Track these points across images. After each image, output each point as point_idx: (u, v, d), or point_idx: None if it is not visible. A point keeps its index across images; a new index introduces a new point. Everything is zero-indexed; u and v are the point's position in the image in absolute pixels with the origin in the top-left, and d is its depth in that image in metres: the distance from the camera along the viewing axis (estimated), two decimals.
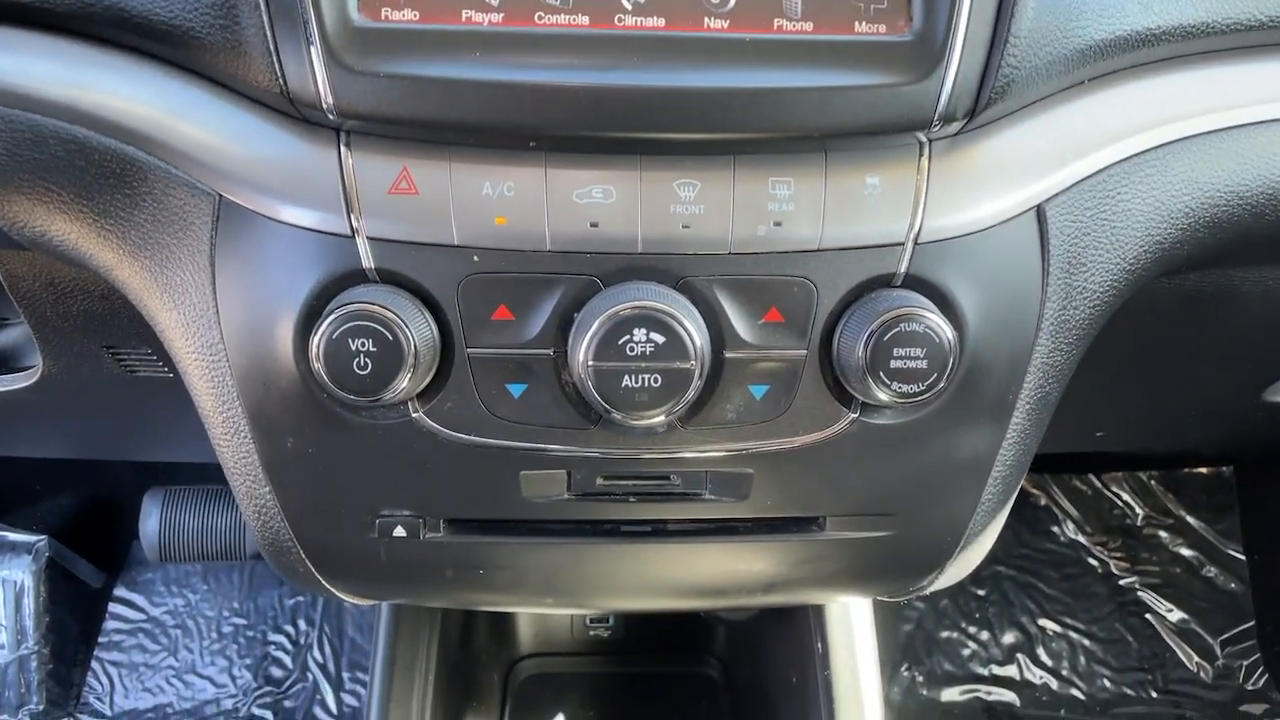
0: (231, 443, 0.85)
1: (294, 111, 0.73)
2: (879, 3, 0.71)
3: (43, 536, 2.16)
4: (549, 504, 0.87)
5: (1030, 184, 0.79)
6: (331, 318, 0.72)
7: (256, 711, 2.18)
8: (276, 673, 2.24)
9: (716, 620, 1.92)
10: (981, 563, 1.03)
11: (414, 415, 0.80)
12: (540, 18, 0.70)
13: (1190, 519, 2.44)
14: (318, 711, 2.19)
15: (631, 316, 0.73)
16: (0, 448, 1.64)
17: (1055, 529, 2.46)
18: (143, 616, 2.31)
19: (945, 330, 0.75)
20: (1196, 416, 1.63)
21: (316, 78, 0.69)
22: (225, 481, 0.92)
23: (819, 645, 1.38)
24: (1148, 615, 2.35)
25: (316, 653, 2.26)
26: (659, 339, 0.74)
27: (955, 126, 0.75)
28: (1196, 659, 2.29)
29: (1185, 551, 2.42)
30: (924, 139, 0.76)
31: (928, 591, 1.03)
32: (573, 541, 0.92)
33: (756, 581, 0.98)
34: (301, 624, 2.29)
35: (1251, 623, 2.33)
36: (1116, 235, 0.82)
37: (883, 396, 0.77)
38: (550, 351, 0.78)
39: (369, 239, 0.75)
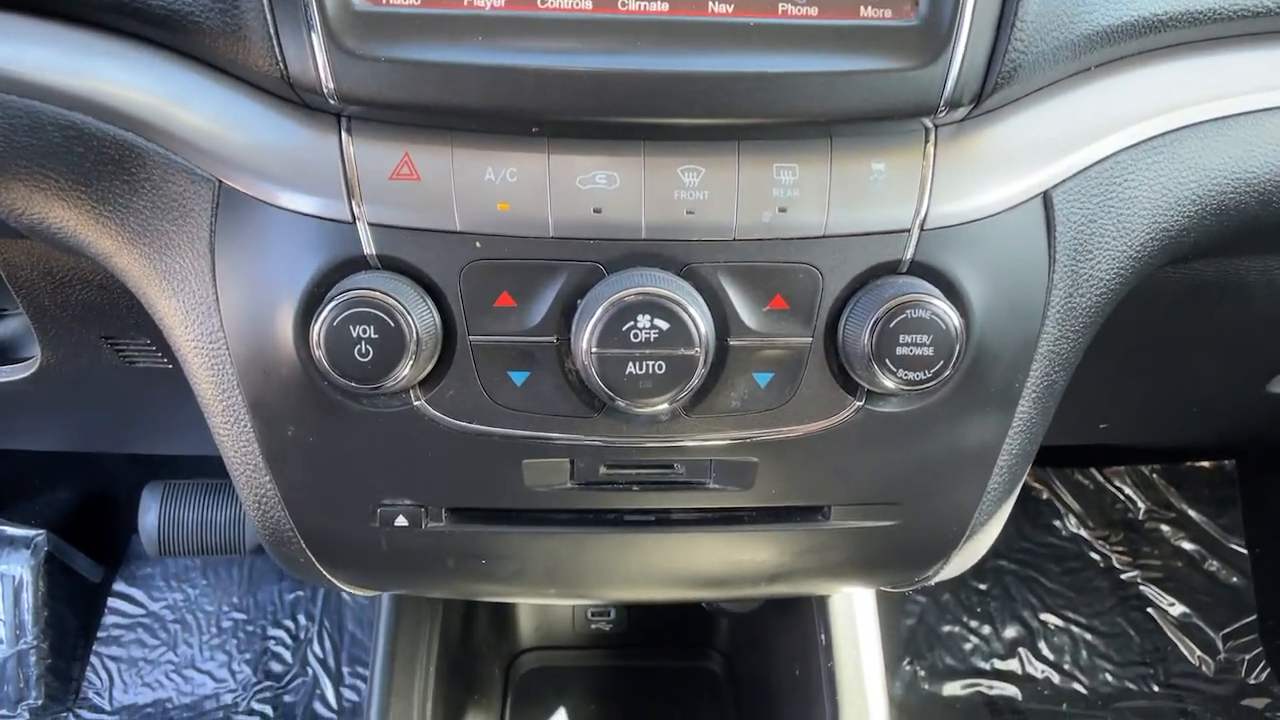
0: (231, 432, 0.85)
1: (294, 97, 0.73)
2: None
3: (41, 531, 2.16)
4: (552, 493, 0.87)
5: (1037, 170, 0.79)
6: (332, 304, 0.72)
7: (256, 706, 2.18)
8: (276, 668, 2.24)
9: (719, 613, 1.92)
10: (983, 557, 1.02)
11: (416, 403, 0.80)
12: (543, 1, 0.69)
13: (1192, 513, 2.44)
14: (317, 706, 2.18)
15: (635, 303, 0.73)
16: None
17: (1057, 523, 2.45)
18: (142, 611, 2.31)
19: (951, 317, 0.75)
20: (1200, 408, 1.63)
21: (317, 62, 0.68)
22: (225, 475, 0.91)
23: (822, 637, 1.37)
24: (1149, 609, 2.35)
25: (316, 647, 2.25)
26: (663, 325, 0.73)
27: (961, 112, 0.74)
28: (1198, 653, 2.29)
29: (1187, 545, 2.42)
30: (930, 125, 0.75)
31: (933, 582, 1.03)
32: (575, 531, 0.91)
33: (761, 572, 0.97)
34: (301, 619, 2.29)
35: (1253, 617, 2.32)
36: (1123, 222, 0.82)
37: (888, 384, 0.76)
38: (553, 339, 0.77)
39: (370, 225, 0.74)
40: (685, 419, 0.81)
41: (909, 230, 0.76)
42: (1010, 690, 2.24)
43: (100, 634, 2.27)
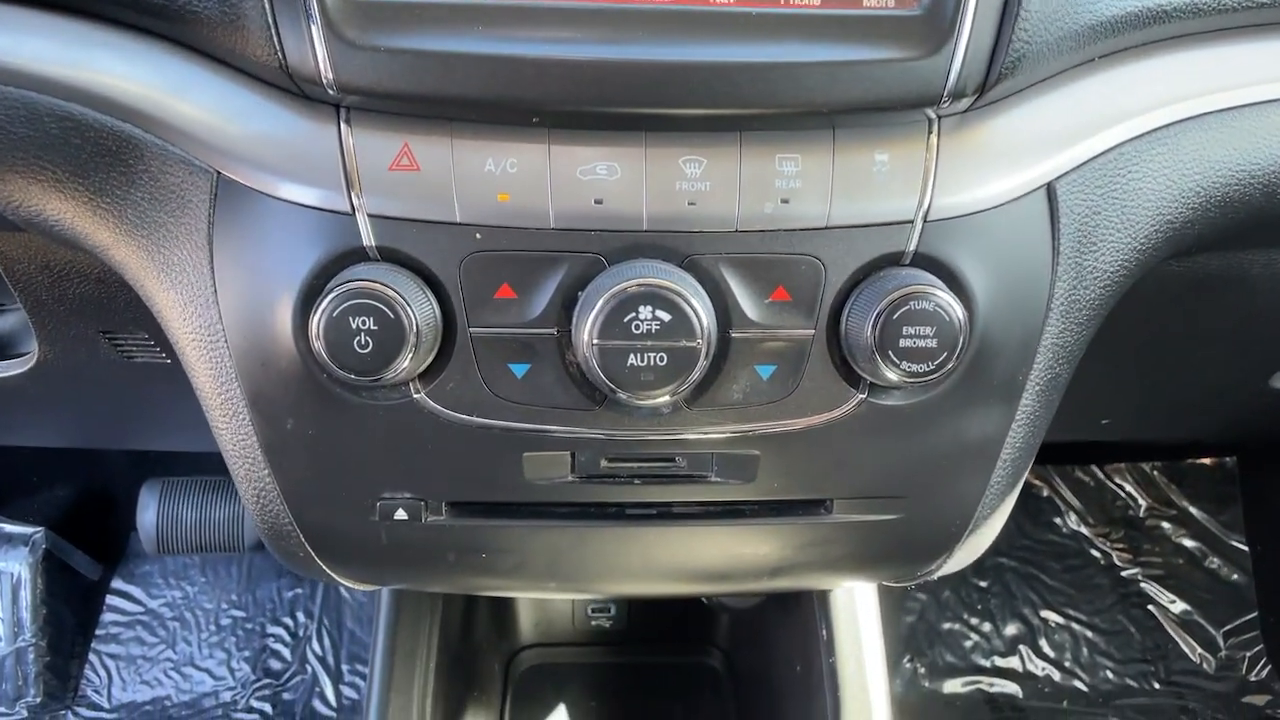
0: (230, 425, 0.84)
1: (293, 87, 0.72)
2: None
3: (39, 528, 2.15)
4: (552, 486, 0.86)
5: (1041, 162, 0.79)
6: (332, 296, 0.71)
7: (255, 704, 2.18)
8: (275, 665, 2.23)
9: (720, 609, 1.92)
10: (984, 554, 1.02)
11: (415, 396, 0.79)
12: None
13: (1193, 510, 2.44)
14: (316, 704, 2.18)
15: (637, 294, 0.72)
16: None
17: (1058, 520, 2.45)
18: (140, 609, 2.30)
19: (955, 309, 0.74)
20: (1202, 403, 1.62)
21: (316, 52, 0.68)
22: (223, 473, 0.91)
23: (824, 632, 1.37)
24: (1150, 606, 2.34)
25: (315, 645, 2.25)
26: (665, 317, 0.73)
27: (965, 103, 0.74)
28: (1199, 650, 2.29)
29: (1188, 543, 2.41)
30: (933, 115, 0.75)
31: (935, 577, 1.02)
32: (576, 524, 0.91)
33: (763, 565, 0.97)
34: (300, 616, 2.29)
35: (1254, 614, 2.33)
36: (1128, 214, 0.82)
37: (891, 376, 0.76)
38: (554, 331, 0.77)
39: (370, 216, 0.74)
40: (687, 412, 0.80)
41: (912, 221, 0.76)
42: (1011, 687, 2.23)
43: (99, 631, 2.27)
